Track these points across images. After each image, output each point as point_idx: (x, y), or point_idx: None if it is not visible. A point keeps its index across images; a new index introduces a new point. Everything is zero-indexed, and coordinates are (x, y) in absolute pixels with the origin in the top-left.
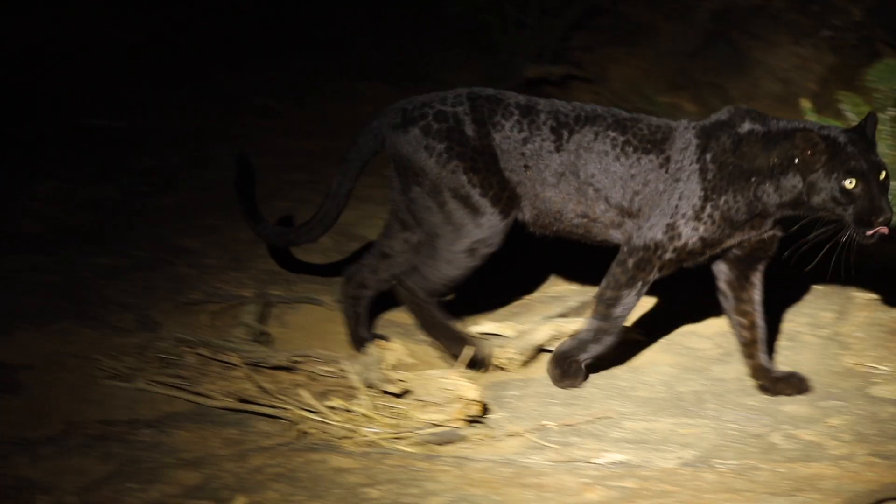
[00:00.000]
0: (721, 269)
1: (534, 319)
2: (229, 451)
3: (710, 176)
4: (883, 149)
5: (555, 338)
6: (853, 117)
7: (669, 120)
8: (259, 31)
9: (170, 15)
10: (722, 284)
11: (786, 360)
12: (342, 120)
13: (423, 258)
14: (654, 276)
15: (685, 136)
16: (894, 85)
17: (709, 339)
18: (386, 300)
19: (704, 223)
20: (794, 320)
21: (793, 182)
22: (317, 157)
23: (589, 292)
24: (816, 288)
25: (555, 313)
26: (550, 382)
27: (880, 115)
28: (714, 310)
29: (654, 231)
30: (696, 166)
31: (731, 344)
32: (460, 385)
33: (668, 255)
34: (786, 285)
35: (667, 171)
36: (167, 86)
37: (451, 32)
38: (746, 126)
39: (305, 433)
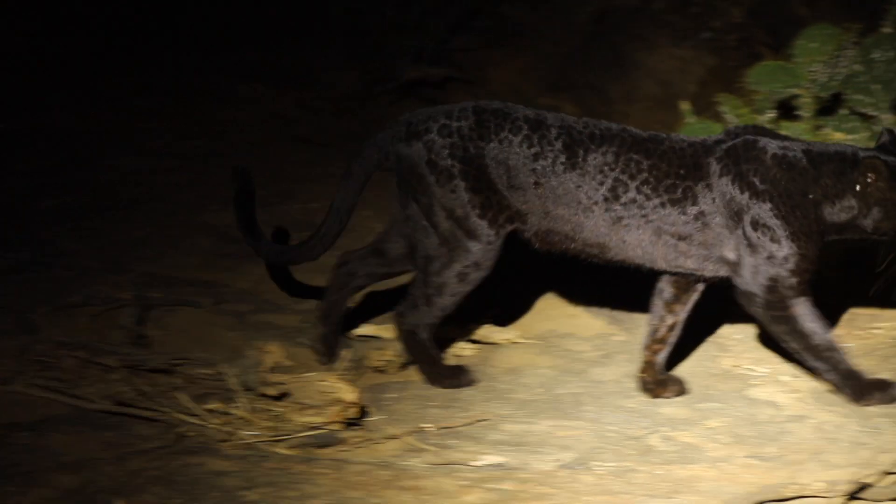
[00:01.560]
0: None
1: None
2: (108, 455)
3: (764, 189)
4: None
5: (434, 341)
6: (732, 119)
7: (688, 138)
8: (138, 31)
9: (50, 15)
10: (666, 282)
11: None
12: (221, 121)
13: (417, 287)
14: (801, 299)
15: (719, 158)
16: (774, 87)
17: (588, 341)
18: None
19: (793, 240)
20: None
21: (849, 204)
22: (195, 158)
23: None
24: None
25: None
26: (428, 385)
27: (759, 118)
28: (594, 312)
29: (762, 271)
30: (744, 183)
31: (611, 346)
32: (338, 387)
33: (792, 280)
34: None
35: (712, 199)
36: (47, 86)
37: (332, 33)
38: (777, 139)
39: (183, 436)
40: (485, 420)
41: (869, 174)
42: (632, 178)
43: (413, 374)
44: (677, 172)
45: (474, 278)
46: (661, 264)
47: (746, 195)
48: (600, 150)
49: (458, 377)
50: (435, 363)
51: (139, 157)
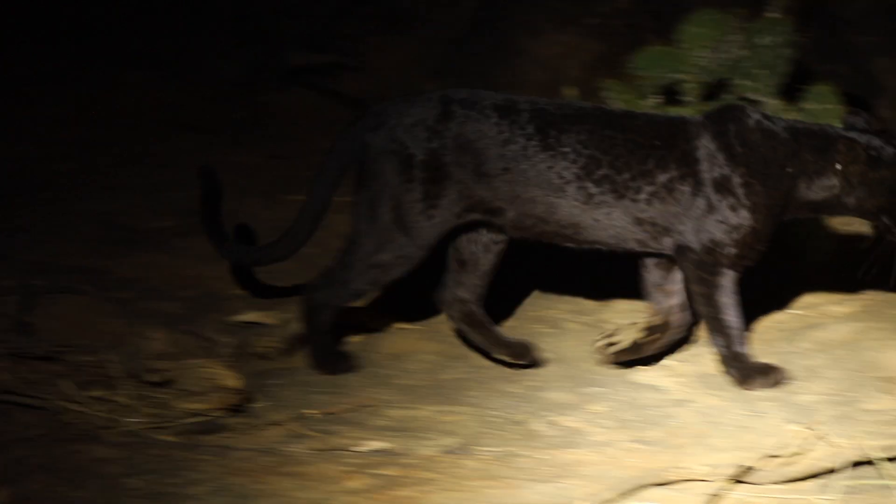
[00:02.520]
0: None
1: (296, 308)
2: None
3: (743, 163)
4: None
5: None
6: (619, 105)
7: (664, 114)
8: (18, 16)
9: None
10: (648, 262)
11: (548, 346)
12: (105, 108)
13: (338, 267)
14: (731, 273)
15: (696, 130)
16: (659, 72)
17: None
18: None
19: (753, 211)
20: (557, 307)
21: (830, 183)
22: (79, 145)
23: None
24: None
25: None
26: (312, 371)
27: (644, 103)
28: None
29: (707, 233)
30: (723, 158)
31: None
32: (222, 374)
33: (732, 251)
34: (550, 271)
35: (686, 167)
36: None
37: (218, 19)
38: (761, 117)
39: (67, 424)
40: (368, 406)
41: (847, 156)
42: (605, 153)
43: (297, 360)
44: (652, 143)
45: (399, 272)
46: (631, 245)
47: (722, 156)
48: (574, 130)
49: (340, 364)
50: (324, 348)
51: (21, 145)
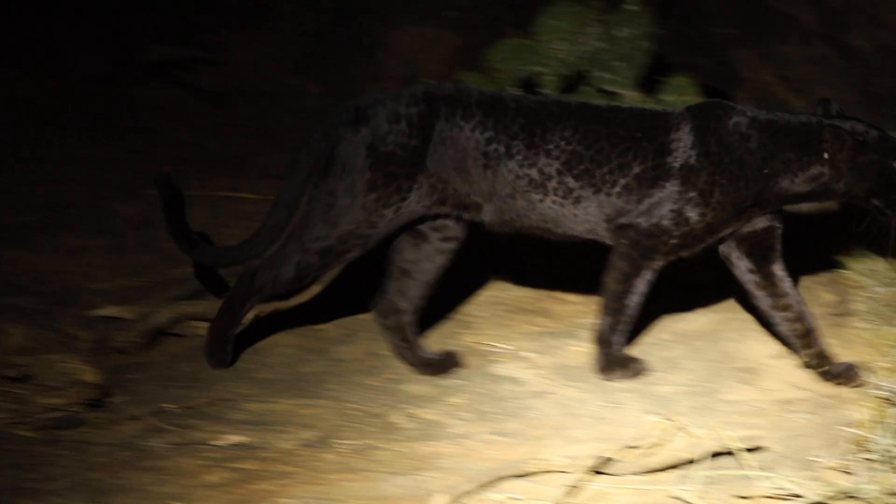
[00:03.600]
0: (744, 274)
1: (155, 302)
2: None
3: (715, 161)
4: None
5: (176, 321)
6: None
7: (652, 108)
8: None
9: None
10: (752, 288)
11: None
12: None
13: (287, 249)
14: (660, 263)
15: (678, 122)
16: (517, 65)
17: (331, 320)
18: None
19: (713, 209)
20: None
21: (817, 172)
22: None
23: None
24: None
25: (176, 296)
26: (171, 364)
27: None
28: (337, 290)
29: (657, 217)
30: (697, 151)
31: (354, 324)
32: (80, 369)
33: (673, 241)
34: None
35: (663, 158)
36: None
37: (76, 13)
38: (743, 113)
39: None
40: (227, 399)
41: (834, 143)
42: (587, 148)
43: (156, 354)
44: (633, 136)
45: (350, 256)
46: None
47: (695, 151)
48: (558, 127)
49: (218, 358)
50: (220, 339)
51: None
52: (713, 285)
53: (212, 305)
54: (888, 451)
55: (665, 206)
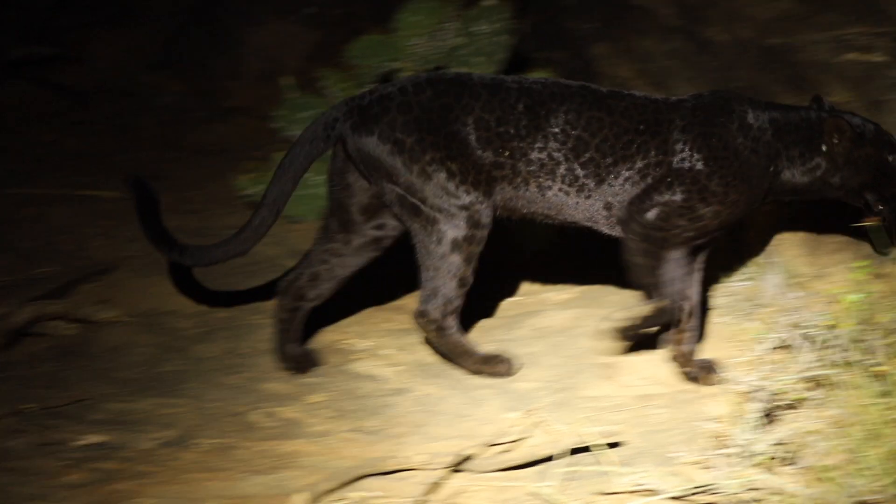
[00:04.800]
0: None
1: (13, 302)
2: None
3: (724, 156)
4: None
5: (35, 320)
6: (338, 94)
7: (651, 95)
8: None
9: None
10: None
11: (267, 337)
12: None
13: (424, 273)
14: (678, 249)
15: (684, 114)
16: (376, 61)
17: (190, 318)
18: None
19: (725, 206)
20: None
21: (815, 164)
22: None
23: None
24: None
25: (34, 296)
26: (30, 364)
27: (362, 91)
28: (196, 289)
29: (665, 211)
30: (704, 144)
31: (213, 323)
32: None
33: (687, 234)
34: (252, 269)
35: (668, 157)
36: None
37: None
38: (748, 107)
39: None
40: (86, 400)
41: (834, 135)
42: (592, 135)
43: (15, 354)
44: (637, 129)
45: (475, 248)
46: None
47: (702, 155)
48: (562, 109)
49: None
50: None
51: None
52: (572, 281)
53: (72, 304)
54: (746, 446)
55: (675, 202)
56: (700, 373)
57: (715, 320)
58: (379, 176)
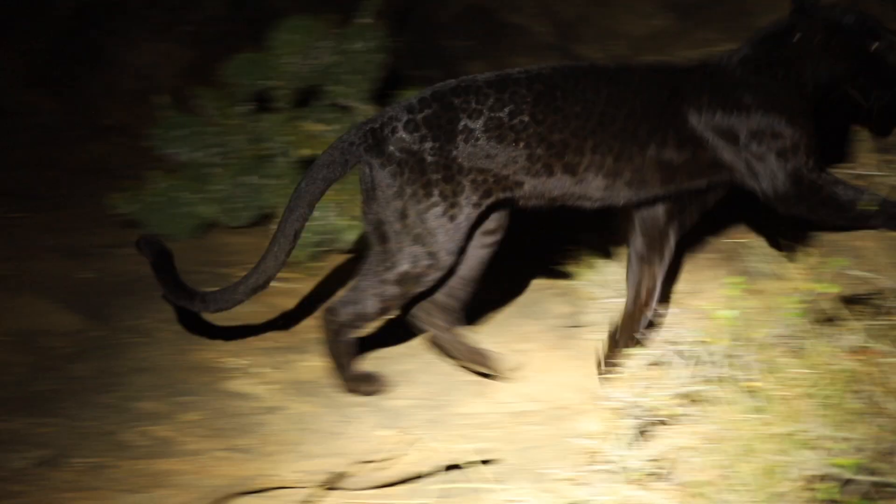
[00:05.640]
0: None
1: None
2: None
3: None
4: (241, 143)
5: None
6: (213, 112)
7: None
8: None
9: None
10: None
11: (140, 355)
12: None
13: (358, 280)
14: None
15: (697, 80)
16: (251, 79)
17: (64, 337)
18: None
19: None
20: (148, 316)
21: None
22: None
23: None
24: (217, 272)
25: None
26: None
27: (237, 109)
28: (70, 307)
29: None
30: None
31: (87, 342)
32: None
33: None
34: (124, 288)
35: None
36: None
37: None
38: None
39: None
40: None
41: (806, 33)
42: (618, 108)
43: None
44: (659, 96)
45: (428, 282)
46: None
47: (736, 111)
48: (577, 90)
49: (370, 385)
50: (352, 374)
51: None
52: None
53: None
54: (620, 463)
55: (769, 162)
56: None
57: (588, 337)
58: (372, 198)
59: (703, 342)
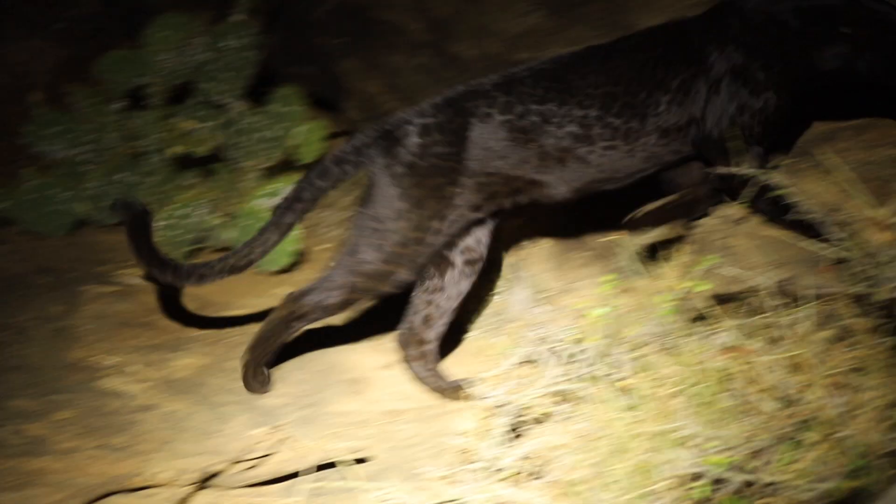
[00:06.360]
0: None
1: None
2: None
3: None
4: (115, 141)
5: None
6: (87, 109)
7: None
8: None
9: None
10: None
11: (13, 353)
12: None
13: (330, 271)
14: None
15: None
16: (124, 76)
17: None
18: None
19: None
20: (22, 314)
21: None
22: None
23: None
24: (46, 281)
25: None
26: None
27: (112, 107)
28: None
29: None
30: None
31: None
32: None
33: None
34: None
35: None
36: None
37: None
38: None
39: None
40: None
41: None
42: (616, 84)
43: None
44: (658, 54)
45: (396, 284)
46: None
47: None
48: (581, 74)
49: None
50: (258, 366)
51: None
52: None
53: None
54: (493, 461)
55: (731, 106)
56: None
57: (464, 335)
58: (371, 197)
59: (575, 340)
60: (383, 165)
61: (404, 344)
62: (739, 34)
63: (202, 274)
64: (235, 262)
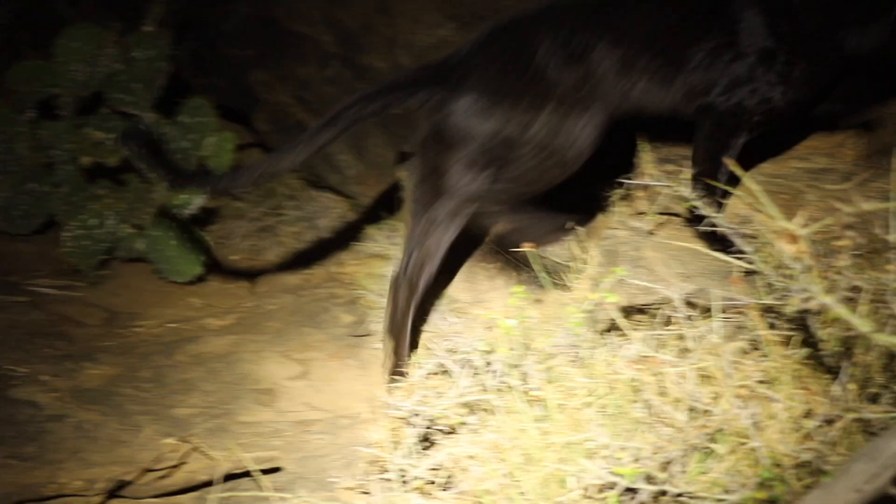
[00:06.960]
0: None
1: None
2: None
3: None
4: (24, 151)
5: None
6: None
7: None
8: None
9: None
10: None
11: None
12: None
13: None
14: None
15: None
16: (35, 87)
17: None
18: None
19: (792, 85)
20: None
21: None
22: None
23: None
24: None
25: None
26: None
27: (21, 117)
28: None
29: (737, 97)
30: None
31: None
32: None
33: (756, 119)
34: None
35: (727, 30)
36: None
37: None
38: None
39: None
40: None
41: None
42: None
43: None
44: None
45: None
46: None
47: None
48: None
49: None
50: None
51: None
52: (230, 308)
53: None
54: (404, 471)
55: (745, 88)
56: None
57: (374, 346)
58: (436, 145)
59: (486, 351)
60: (457, 108)
61: (395, 287)
62: (779, 17)
63: (233, 182)
64: (266, 168)
